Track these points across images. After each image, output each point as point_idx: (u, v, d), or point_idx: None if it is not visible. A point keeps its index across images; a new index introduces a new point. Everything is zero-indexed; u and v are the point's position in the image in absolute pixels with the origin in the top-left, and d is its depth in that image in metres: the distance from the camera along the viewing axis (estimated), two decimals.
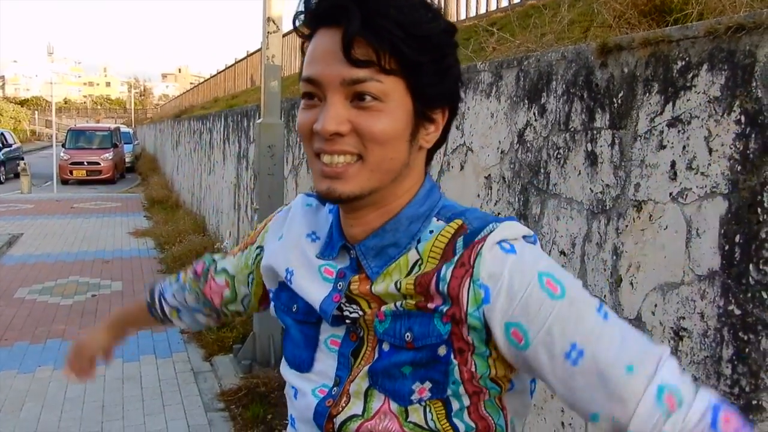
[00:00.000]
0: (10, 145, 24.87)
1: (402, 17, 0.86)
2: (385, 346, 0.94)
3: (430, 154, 1.00)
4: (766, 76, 1.47)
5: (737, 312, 1.52)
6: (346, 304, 0.97)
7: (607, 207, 1.97)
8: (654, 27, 1.98)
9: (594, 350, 0.85)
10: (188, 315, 1.38)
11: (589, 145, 2.05)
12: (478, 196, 2.69)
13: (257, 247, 1.20)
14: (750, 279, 1.49)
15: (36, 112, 62.65)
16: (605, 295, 1.97)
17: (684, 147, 1.69)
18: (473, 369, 0.91)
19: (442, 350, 0.91)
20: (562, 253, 2.18)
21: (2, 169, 23.00)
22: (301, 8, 0.94)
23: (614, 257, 1.94)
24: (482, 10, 5.20)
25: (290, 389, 1.07)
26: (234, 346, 5.33)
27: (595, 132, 2.03)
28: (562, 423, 2.18)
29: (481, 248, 0.88)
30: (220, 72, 16.58)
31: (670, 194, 1.73)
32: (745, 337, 1.50)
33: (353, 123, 0.88)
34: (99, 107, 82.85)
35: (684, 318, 1.68)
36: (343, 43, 0.86)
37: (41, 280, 7.95)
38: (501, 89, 2.54)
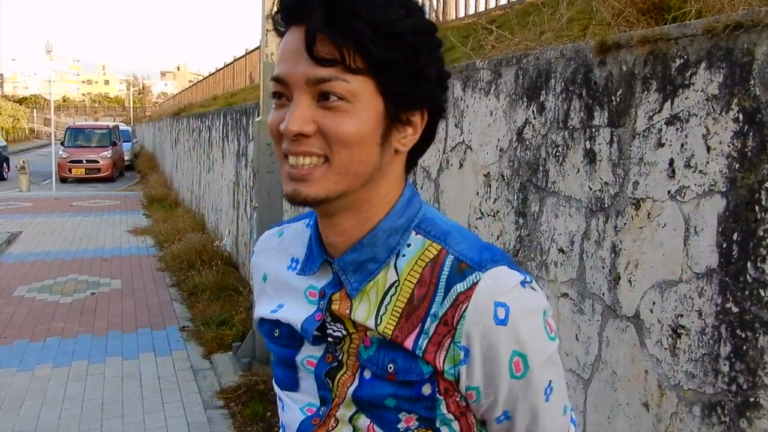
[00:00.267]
0: None
1: (370, 14, 0.83)
2: (367, 374, 0.93)
3: (414, 158, 0.97)
4: (764, 74, 1.47)
5: (735, 309, 1.53)
6: (330, 323, 0.95)
7: (606, 205, 1.97)
8: (652, 25, 1.98)
9: (516, 421, 0.94)
10: None
11: (587, 143, 2.06)
12: (477, 194, 2.70)
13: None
14: (748, 277, 1.50)
15: (35, 110, 62.58)
16: (604, 293, 1.98)
17: (682, 145, 1.69)
18: (459, 400, 0.92)
19: (426, 389, 0.90)
20: (561, 251, 2.18)
21: None
22: (276, 6, 0.91)
23: (613, 255, 1.95)
24: (481, 8, 5.20)
25: (279, 401, 1.08)
26: (233, 343, 5.33)
27: (593, 130, 2.03)
28: None
29: (465, 310, 0.87)
30: (219, 70, 16.56)
31: (669, 192, 1.73)
32: (743, 335, 1.51)
33: (318, 123, 0.85)
34: (98, 105, 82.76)
35: (682, 315, 1.69)
36: (306, 40, 0.83)
37: (40, 278, 7.96)
38: (500, 87, 2.55)
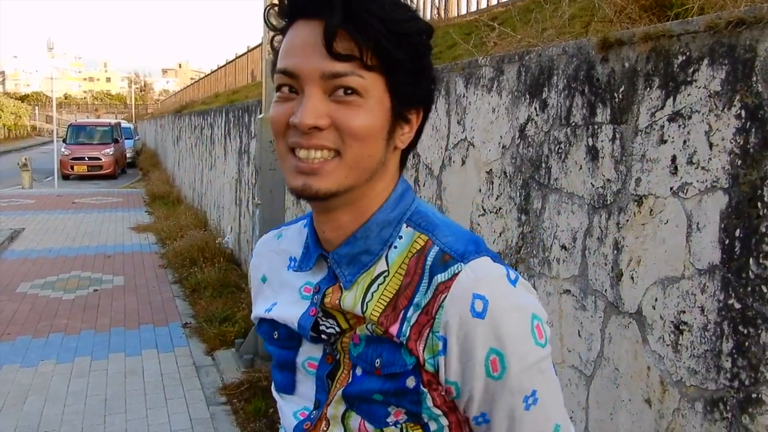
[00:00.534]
0: None
1: (384, 13, 0.85)
2: (358, 371, 0.94)
3: (404, 156, 0.99)
4: (766, 70, 1.47)
5: (737, 306, 1.53)
6: (323, 319, 0.96)
7: (608, 201, 1.98)
8: (655, 22, 1.98)
9: (494, 425, 0.91)
10: None
11: (590, 139, 2.06)
12: (480, 190, 2.70)
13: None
14: (750, 273, 1.50)
15: (36, 107, 62.61)
16: (606, 290, 1.98)
17: (684, 142, 1.70)
18: (443, 394, 0.91)
19: (410, 382, 0.90)
20: (563, 247, 2.19)
21: None
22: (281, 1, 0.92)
23: (615, 251, 1.95)
24: (483, 5, 5.19)
25: (279, 410, 1.08)
26: (236, 340, 5.35)
27: (596, 127, 2.03)
28: None
29: (444, 299, 0.87)
30: (220, 67, 16.56)
31: (671, 189, 1.74)
32: (745, 331, 1.51)
33: (332, 117, 0.86)
34: (99, 102, 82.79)
35: (684, 312, 1.69)
36: (325, 35, 0.84)
37: (43, 274, 7.98)
38: (502, 84, 2.55)
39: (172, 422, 4.22)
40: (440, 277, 0.88)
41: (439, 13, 6.03)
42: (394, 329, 0.90)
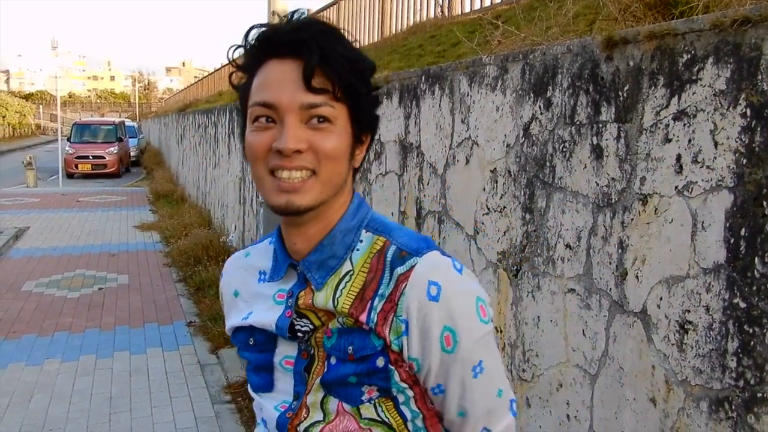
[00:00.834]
0: None
1: (348, 54, 1.02)
2: (333, 360, 1.07)
3: (355, 173, 1.15)
4: None
5: (742, 305, 1.53)
6: (297, 319, 1.09)
7: (613, 200, 1.97)
8: (659, 20, 1.97)
9: (447, 392, 1.07)
10: None
11: (594, 138, 2.05)
12: (484, 189, 2.70)
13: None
14: (755, 272, 1.50)
15: (41, 106, 62.72)
16: (611, 289, 1.98)
17: (689, 140, 1.69)
18: (408, 370, 1.06)
19: (380, 362, 1.05)
20: (568, 246, 2.18)
21: None
22: (253, 41, 1.05)
23: (620, 251, 1.95)
24: (486, 3, 5.18)
25: (258, 407, 1.20)
26: None
27: (600, 125, 2.03)
28: (568, 416, 2.19)
29: (405, 288, 1.03)
30: (224, 66, 16.56)
31: (676, 188, 1.73)
32: (751, 330, 1.51)
33: (309, 142, 1.01)
34: (103, 101, 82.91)
35: (689, 311, 1.69)
36: (305, 73, 0.99)
37: (48, 273, 8.00)
38: (506, 83, 2.55)
39: (176, 420, 4.23)
40: (400, 270, 1.05)
41: (442, 11, 6.02)
42: (363, 317, 1.04)
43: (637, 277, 1.88)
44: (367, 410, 1.08)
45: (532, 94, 2.39)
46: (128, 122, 30.48)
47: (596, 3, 2.69)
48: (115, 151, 22.97)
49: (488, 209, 2.67)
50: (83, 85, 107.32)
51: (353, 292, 1.06)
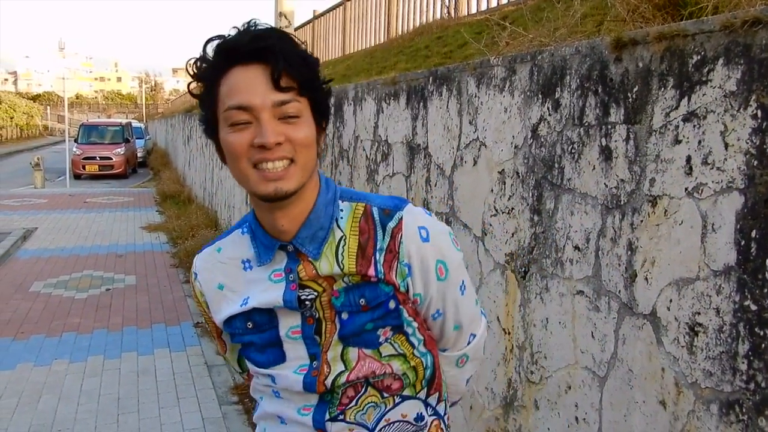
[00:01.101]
0: None
1: (302, 54, 1.16)
2: (344, 315, 1.23)
3: (318, 157, 1.28)
4: None
5: (753, 307, 1.52)
6: (301, 291, 1.23)
7: (622, 202, 1.97)
8: (669, 21, 1.97)
9: (446, 314, 1.32)
10: None
11: (603, 139, 2.05)
12: (492, 191, 2.69)
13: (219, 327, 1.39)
14: (766, 274, 1.49)
15: (48, 107, 63.00)
16: (620, 291, 1.97)
17: (699, 142, 1.69)
18: (412, 304, 1.27)
19: (391, 304, 1.24)
20: (577, 248, 2.18)
21: None
22: (215, 51, 1.16)
23: (629, 252, 1.94)
24: (494, 4, 5.18)
25: (266, 380, 1.31)
26: None
27: (609, 127, 2.02)
28: (576, 418, 2.18)
29: (401, 237, 1.23)
30: None
31: (686, 189, 1.72)
32: (761, 333, 1.50)
33: (285, 134, 1.13)
34: (110, 102, 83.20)
35: (699, 313, 1.68)
36: (273, 75, 1.12)
37: (56, 274, 8.04)
38: (514, 84, 2.54)
39: (184, 421, 4.24)
40: (391, 224, 1.24)
41: (449, 12, 6.02)
42: (371, 271, 1.22)
43: (646, 279, 1.87)
44: (386, 349, 1.25)
45: (540, 96, 2.38)
46: (135, 123, 30.58)
47: (604, 4, 2.68)
48: (122, 152, 23.05)
49: (496, 211, 2.67)
50: (90, 87, 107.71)
51: (353, 253, 1.22)
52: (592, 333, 2.11)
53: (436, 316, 1.32)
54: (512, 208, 2.56)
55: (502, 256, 2.64)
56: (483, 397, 2.78)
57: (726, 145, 1.60)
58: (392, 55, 5.97)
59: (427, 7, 6.76)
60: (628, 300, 1.94)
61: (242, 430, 4.15)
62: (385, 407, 1.27)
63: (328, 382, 1.24)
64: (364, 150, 4.17)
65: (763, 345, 1.50)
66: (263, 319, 1.26)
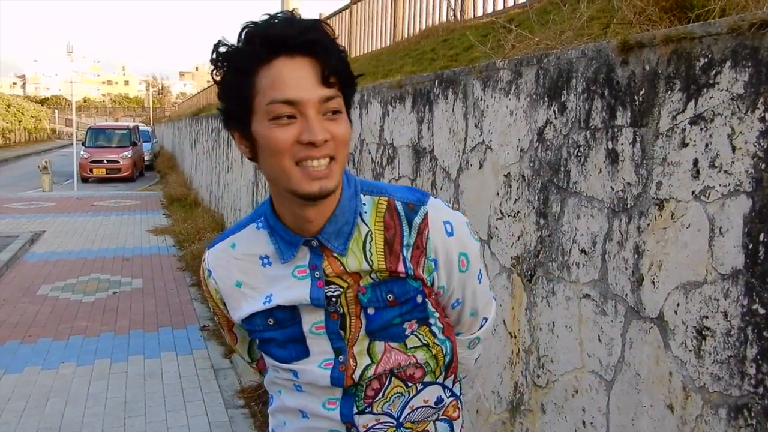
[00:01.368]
0: None
1: (341, 49, 1.14)
2: (371, 310, 1.22)
3: None
4: None
5: (761, 311, 1.51)
6: (326, 287, 1.21)
7: (629, 205, 1.96)
8: (675, 24, 1.96)
9: (464, 302, 1.35)
10: None
11: (610, 143, 2.04)
12: (498, 194, 2.69)
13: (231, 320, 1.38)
14: None
15: (56, 110, 63.32)
16: (627, 294, 1.97)
17: (707, 145, 1.68)
18: (434, 296, 1.29)
19: (419, 298, 1.25)
20: (583, 251, 2.17)
21: None
22: (257, 40, 1.10)
23: (636, 256, 1.93)
24: (500, 7, 5.17)
25: (287, 375, 1.29)
26: None
27: (616, 130, 2.02)
28: (583, 422, 2.17)
29: (428, 233, 1.23)
30: None
31: (693, 192, 1.72)
32: None
33: (329, 131, 1.10)
34: (118, 106, 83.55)
35: (707, 317, 1.67)
36: (324, 71, 1.09)
37: (63, 277, 8.06)
38: (520, 87, 2.54)
39: (191, 425, 4.24)
40: (417, 220, 1.23)
41: (455, 15, 6.02)
42: (400, 268, 1.22)
43: (653, 282, 1.86)
44: (411, 341, 1.26)
45: (546, 99, 2.38)
46: (142, 127, 30.64)
47: (611, 6, 2.67)
48: (129, 156, 23.11)
49: (502, 214, 2.66)
50: (98, 90, 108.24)
51: (380, 249, 1.22)
52: (598, 337, 2.10)
53: (455, 305, 1.34)
54: (518, 212, 2.55)
55: (508, 259, 2.63)
56: (489, 400, 2.78)
57: (733, 148, 1.60)
58: (398, 58, 5.98)
59: (433, 10, 6.76)
60: (635, 304, 1.93)
61: None
62: (409, 395, 1.28)
63: (356, 375, 1.24)
64: (369, 153, 4.18)
65: None
66: (285, 315, 1.24)
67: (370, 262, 1.20)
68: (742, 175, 1.57)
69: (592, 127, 2.12)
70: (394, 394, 1.27)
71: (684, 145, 1.75)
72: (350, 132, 1.17)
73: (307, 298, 1.21)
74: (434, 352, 1.30)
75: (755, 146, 1.53)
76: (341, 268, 1.21)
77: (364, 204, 1.24)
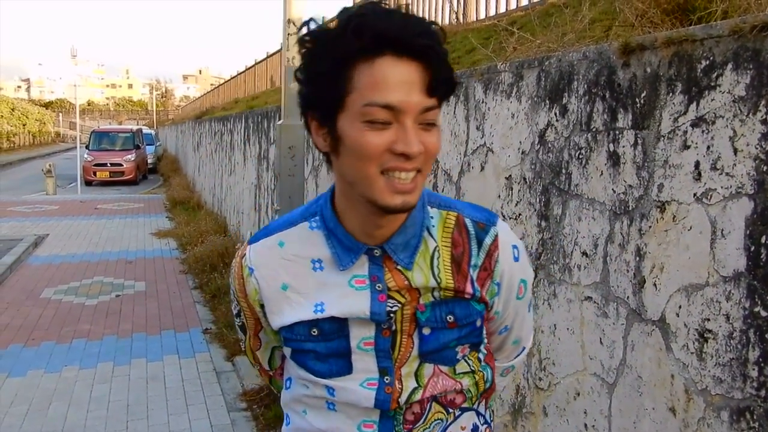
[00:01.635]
0: None
1: (448, 58, 1.03)
2: (426, 331, 1.14)
3: None
4: None
5: (763, 314, 1.51)
6: (386, 301, 1.13)
7: (630, 208, 1.96)
8: (677, 26, 1.96)
9: (512, 329, 1.30)
10: None
11: (611, 145, 2.04)
12: (499, 196, 2.69)
13: (263, 324, 1.27)
14: None
15: (60, 114, 63.45)
16: (628, 297, 1.96)
17: (708, 147, 1.67)
18: (489, 321, 1.23)
19: (478, 322, 1.18)
20: (584, 254, 2.17)
21: None
22: (367, 31, 0.98)
23: (637, 258, 1.93)
24: (502, 9, 5.17)
25: (321, 391, 1.18)
26: None
27: (617, 132, 2.01)
28: (585, 425, 2.16)
29: (497, 256, 1.17)
30: (240, 73, 16.67)
31: (694, 195, 1.71)
32: None
33: (423, 143, 1.01)
34: (121, 109, 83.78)
35: (709, 320, 1.67)
36: (431, 79, 1.00)
37: (66, 280, 8.07)
38: (522, 89, 2.54)
39: (193, 428, 4.24)
40: (487, 240, 1.17)
41: (457, 18, 6.02)
42: (468, 288, 1.14)
43: (655, 285, 1.86)
44: (461, 366, 1.19)
45: (547, 101, 2.37)
46: (145, 130, 30.72)
47: (612, 9, 2.67)
48: (133, 159, 23.16)
49: (503, 216, 2.66)
50: (102, 93, 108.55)
51: (447, 267, 1.14)
52: (600, 339, 2.09)
53: (503, 331, 1.29)
54: (519, 214, 2.55)
55: None
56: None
57: (735, 151, 1.59)
58: None
59: (435, 12, 6.77)
60: (636, 306, 1.93)
61: None
62: (447, 421, 1.21)
63: (402, 399, 1.15)
64: None
65: None
66: (333, 327, 1.14)
67: (438, 279, 1.13)
68: (744, 177, 1.56)
69: (594, 130, 2.12)
70: (435, 420, 1.19)
71: (685, 147, 1.75)
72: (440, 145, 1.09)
73: (366, 311, 1.12)
74: (477, 378, 1.22)
75: (757, 148, 1.53)
76: (405, 282, 1.12)
77: (432, 217, 1.16)
